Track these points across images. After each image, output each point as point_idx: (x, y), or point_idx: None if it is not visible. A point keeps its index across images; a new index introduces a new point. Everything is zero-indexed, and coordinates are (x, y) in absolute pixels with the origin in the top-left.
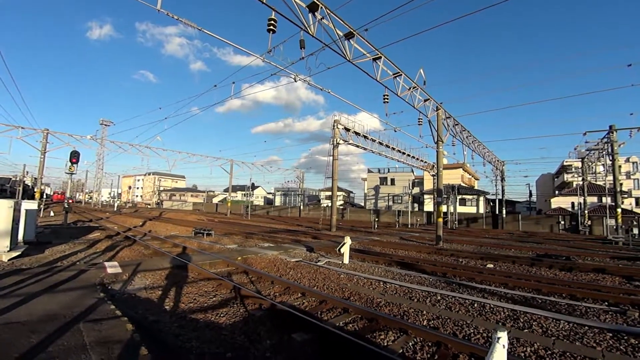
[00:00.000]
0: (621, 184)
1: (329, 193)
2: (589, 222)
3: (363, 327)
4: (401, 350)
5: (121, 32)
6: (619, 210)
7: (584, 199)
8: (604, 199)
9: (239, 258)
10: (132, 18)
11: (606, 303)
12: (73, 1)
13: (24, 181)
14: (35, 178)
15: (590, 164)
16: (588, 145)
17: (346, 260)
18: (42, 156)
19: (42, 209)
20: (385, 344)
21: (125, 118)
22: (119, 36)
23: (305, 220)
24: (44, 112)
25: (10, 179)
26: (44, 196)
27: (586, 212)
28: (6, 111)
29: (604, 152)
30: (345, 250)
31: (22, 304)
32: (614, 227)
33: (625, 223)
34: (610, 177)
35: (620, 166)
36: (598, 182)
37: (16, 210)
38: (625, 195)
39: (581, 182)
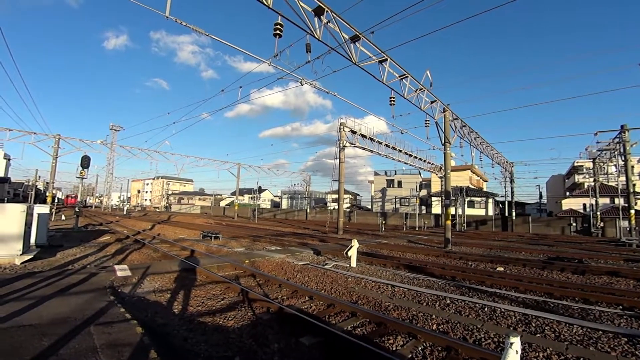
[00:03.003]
0: (634, 185)
1: (336, 196)
2: (601, 224)
3: (371, 331)
4: (410, 355)
5: (136, 42)
6: (632, 211)
7: (596, 201)
8: (616, 200)
9: (247, 261)
10: (147, 27)
11: (620, 307)
12: (90, 11)
13: (36, 186)
14: (47, 183)
15: (601, 164)
16: (599, 145)
17: (354, 263)
18: (54, 161)
19: (54, 213)
20: (394, 349)
21: (134, 123)
22: (134, 46)
23: (312, 223)
24: (56, 118)
25: (23, 183)
26: (56, 200)
27: (598, 213)
28: (20, 117)
29: (615, 153)
30: (353, 253)
31: (34, 307)
32: (627, 228)
33: (639, 225)
34: (623, 178)
35: (632, 166)
36: (610, 183)
37: (28, 214)
38: (639, 196)
39: (593, 183)
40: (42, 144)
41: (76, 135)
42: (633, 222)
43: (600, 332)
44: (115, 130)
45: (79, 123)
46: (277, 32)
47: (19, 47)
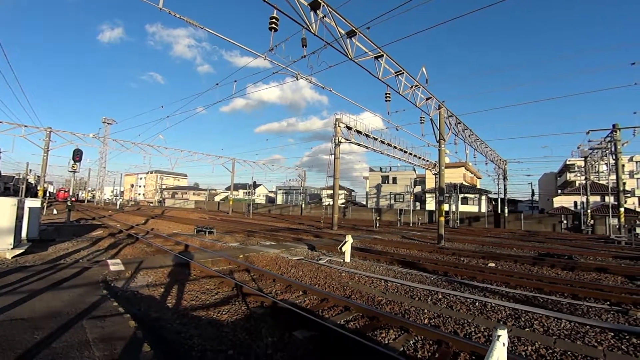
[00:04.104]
0: (624, 183)
1: (331, 192)
2: (592, 222)
3: (364, 325)
4: (402, 349)
5: (132, 35)
6: (622, 209)
7: (587, 198)
8: (606, 199)
9: (241, 256)
10: (143, 20)
11: (608, 302)
12: (85, 3)
13: (27, 179)
14: (38, 176)
15: (593, 163)
16: (591, 144)
17: (347, 258)
18: (45, 154)
19: (46, 207)
20: (387, 342)
21: (127, 117)
22: (129, 39)
23: (307, 218)
24: (47, 110)
25: (14, 177)
26: (47, 194)
27: (589, 211)
28: (10, 109)
29: (607, 151)
30: (347, 248)
31: (26, 301)
32: (617, 226)
33: (628, 222)
34: (613, 176)
35: (623, 165)
36: (601, 182)
37: (19, 208)
38: (628, 195)
39: (584, 181)
40: (33, 137)
41: (68, 128)
42: (622, 219)
43: (588, 326)
44: (107, 123)
45: (71, 116)
46: (273, 25)
47: (10, 38)
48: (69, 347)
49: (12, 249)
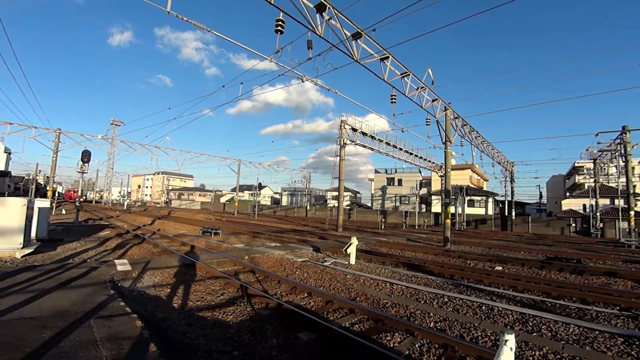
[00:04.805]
0: (634, 186)
1: (336, 193)
2: (601, 225)
3: (369, 327)
4: (407, 352)
5: (141, 39)
6: (632, 212)
7: (596, 201)
8: (616, 201)
9: (246, 257)
10: (152, 23)
11: (618, 307)
12: (95, 7)
13: (37, 180)
14: (48, 177)
15: (602, 165)
16: (600, 146)
17: (352, 260)
18: (55, 155)
19: (55, 207)
20: (392, 345)
21: (135, 118)
22: (138, 42)
23: (312, 220)
24: (57, 112)
25: (24, 177)
26: (56, 194)
27: (598, 214)
28: (20, 111)
29: (616, 153)
30: (352, 250)
31: (34, 300)
32: (627, 230)
33: (638, 226)
34: (623, 179)
35: (633, 168)
36: (610, 184)
37: (29, 208)
38: (639, 198)
39: (593, 184)
40: (42, 138)
41: (77, 129)
42: (632, 223)
43: (597, 332)
44: (115, 125)
45: (80, 117)
46: (279, 28)
47: (21, 40)
48: (77, 346)
49: (21, 248)
